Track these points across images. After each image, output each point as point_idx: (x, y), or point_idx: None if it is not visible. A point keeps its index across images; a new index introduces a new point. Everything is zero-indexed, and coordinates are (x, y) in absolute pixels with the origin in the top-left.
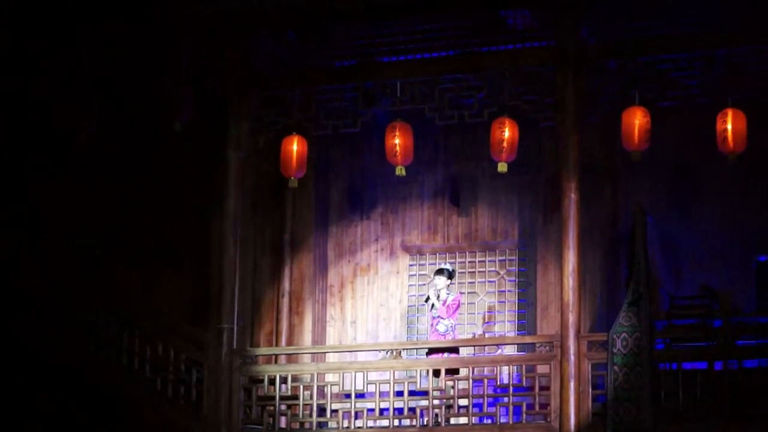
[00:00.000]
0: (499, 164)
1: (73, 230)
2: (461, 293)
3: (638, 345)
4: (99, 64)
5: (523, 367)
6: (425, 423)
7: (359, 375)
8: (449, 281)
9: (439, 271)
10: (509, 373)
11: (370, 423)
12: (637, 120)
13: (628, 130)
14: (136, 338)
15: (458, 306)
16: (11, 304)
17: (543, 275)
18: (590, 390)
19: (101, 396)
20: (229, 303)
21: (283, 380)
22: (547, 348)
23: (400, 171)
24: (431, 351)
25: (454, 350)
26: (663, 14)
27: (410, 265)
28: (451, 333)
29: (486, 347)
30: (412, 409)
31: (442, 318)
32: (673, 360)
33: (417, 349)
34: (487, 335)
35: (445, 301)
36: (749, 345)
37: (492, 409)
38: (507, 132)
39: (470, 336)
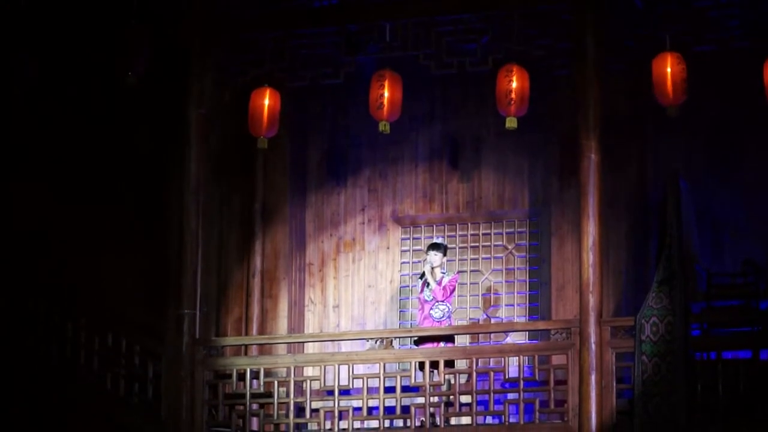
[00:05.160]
0: (507, 119)
1: (4, 201)
2: (461, 272)
3: (671, 331)
4: (37, 7)
5: (536, 357)
6: (421, 424)
7: (343, 368)
8: (445, 258)
9: (435, 246)
10: (519, 365)
11: (357, 424)
12: (669, 68)
13: (660, 82)
14: (82, 327)
15: (455, 288)
16: None
17: (558, 250)
18: (614, 384)
19: (40, 395)
20: (190, 285)
21: (255, 375)
22: (564, 335)
23: (384, 127)
24: (421, 340)
25: (450, 339)
26: None
27: (402, 239)
28: (448, 320)
29: (492, 335)
30: (405, 408)
31: (437, 301)
32: (711, 348)
33: (411, 337)
34: (492, 321)
35: (440, 282)
36: None
37: (499, 407)
38: (515, 82)
39: (472, 322)
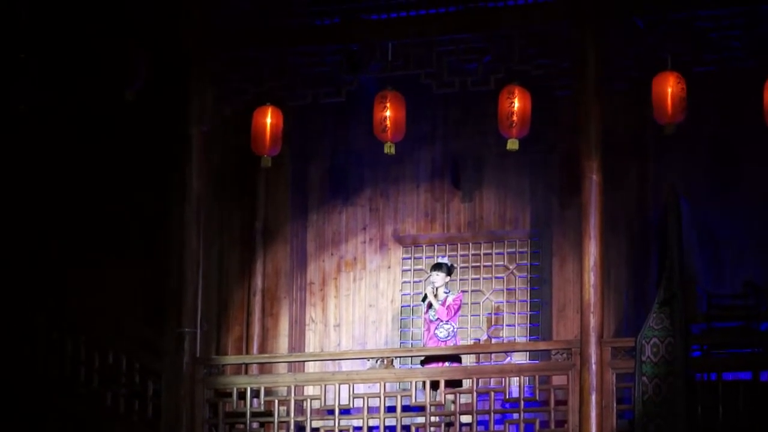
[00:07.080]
0: (509, 141)
1: (3, 217)
2: (463, 292)
3: (671, 352)
4: (38, 24)
5: (536, 378)
6: None
7: (344, 387)
8: (448, 278)
9: (437, 266)
10: (520, 385)
11: None
12: (670, 87)
13: (660, 100)
14: (82, 344)
15: (459, 307)
16: None
17: (559, 270)
18: (615, 405)
19: (39, 411)
20: (191, 303)
21: (255, 394)
22: (565, 356)
23: (389, 148)
24: (427, 360)
25: (455, 359)
26: None
27: (404, 259)
28: (453, 339)
29: (492, 355)
30: (406, 428)
31: (441, 321)
32: (712, 369)
33: (412, 356)
34: (493, 341)
35: (444, 301)
36: None
37: (500, 427)
38: (517, 102)
39: (473, 342)
